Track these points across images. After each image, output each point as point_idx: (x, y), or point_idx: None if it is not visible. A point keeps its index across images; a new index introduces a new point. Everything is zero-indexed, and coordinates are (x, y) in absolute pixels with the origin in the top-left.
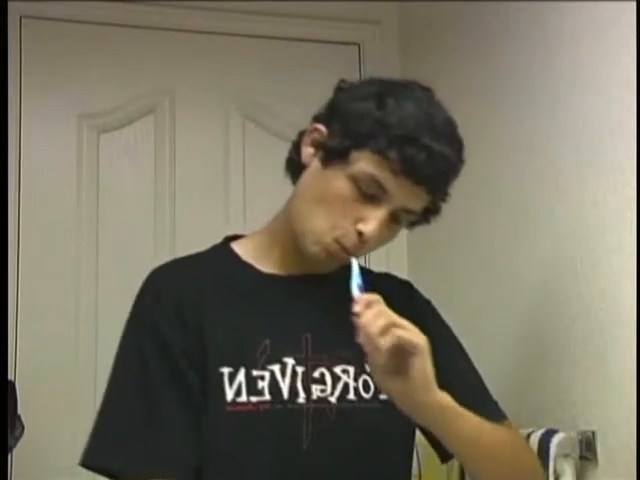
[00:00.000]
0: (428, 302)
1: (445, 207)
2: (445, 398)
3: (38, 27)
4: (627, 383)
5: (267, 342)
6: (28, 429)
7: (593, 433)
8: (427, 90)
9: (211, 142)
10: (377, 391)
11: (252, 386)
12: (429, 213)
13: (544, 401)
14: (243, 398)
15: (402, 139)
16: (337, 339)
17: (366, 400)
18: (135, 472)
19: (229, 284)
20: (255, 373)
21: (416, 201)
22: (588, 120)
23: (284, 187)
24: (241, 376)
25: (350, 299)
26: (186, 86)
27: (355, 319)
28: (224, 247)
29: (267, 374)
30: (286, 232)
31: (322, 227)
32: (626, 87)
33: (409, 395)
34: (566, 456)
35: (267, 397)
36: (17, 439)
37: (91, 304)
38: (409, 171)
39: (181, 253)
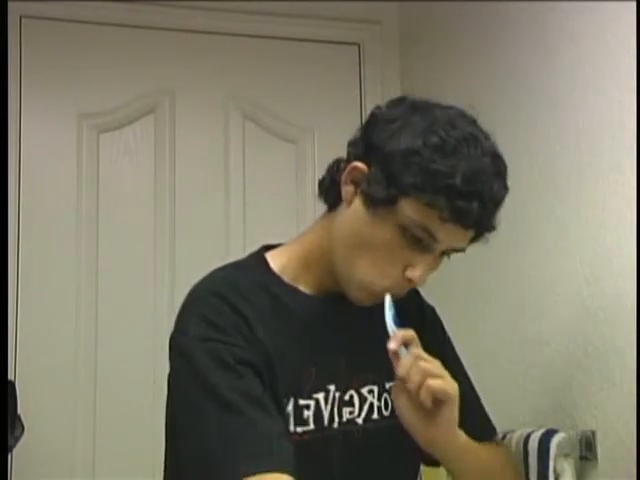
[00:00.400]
0: (434, 313)
1: None
2: (463, 438)
3: (38, 27)
4: (627, 383)
5: (313, 370)
6: (28, 429)
7: (593, 433)
8: (471, 121)
9: (211, 142)
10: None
11: (299, 416)
12: (474, 240)
13: (544, 401)
14: (291, 429)
15: (452, 189)
16: (364, 359)
17: (386, 417)
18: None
19: (276, 308)
20: (302, 402)
21: (464, 240)
22: (588, 120)
23: (284, 187)
24: (290, 406)
25: (375, 319)
26: (186, 86)
27: (391, 354)
28: (262, 261)
29: (312, 403)
30: (321, 254)
31: (370, 275)
32: (626, 87)
33: (432, 436)
34: (566, 456)
35: (311, 426)
36: (17, 439)
37: (91, 304)
38: (459, 219)
39: (181, 253)
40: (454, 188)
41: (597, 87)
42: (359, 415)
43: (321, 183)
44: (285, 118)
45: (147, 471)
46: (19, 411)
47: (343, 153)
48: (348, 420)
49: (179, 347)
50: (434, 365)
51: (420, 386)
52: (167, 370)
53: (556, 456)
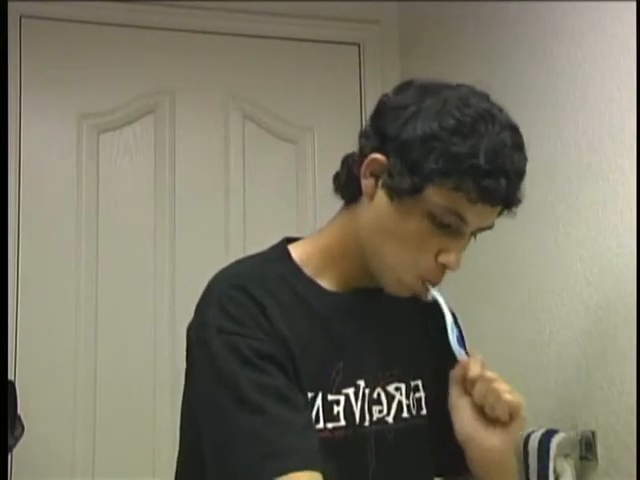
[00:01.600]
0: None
1: None
2: (512, 455)
3: (38, 27)
4: (627, 383)
5: (340, 365)
6: (28, 429)
7: (593, 433)
8: (484, 96)
9: (211, 142)
10: (424, 405)
11: (328, 411)
12: (501, 214)
13: (544, 401)
14: (320, 425)
15: (477, 169)
16: (390, 356)
17: (415, 416)
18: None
19: (298, 302)
20: (330, 398)
21: (493, 217)
22: (588, 120)
23: (284, 187)
24: (319, 401)
25: (402, 315)
26: (186, 86)
27: (456, 376)
28: (284, 253)
29: (342, 398)
30: (342, 250)
31: (403, 265)
32: (626, 87)
33: (492, 444)
34: (566, 456)
35: (342, 422)
36: (17, 439)
37: (91, 304)
38: (487, 198)
39: (181, 253)
40: (479, 168)
41: (597, 87)
42: (388, 414)
43: (336, 178)
44: (285, 118)
45: (147, 471)
46: (19, 411)
47: (343, 153)
48: (378, 419)
49: (198, 338)
50: (505, 384)
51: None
52: (167, 370)
53: (556, 456)
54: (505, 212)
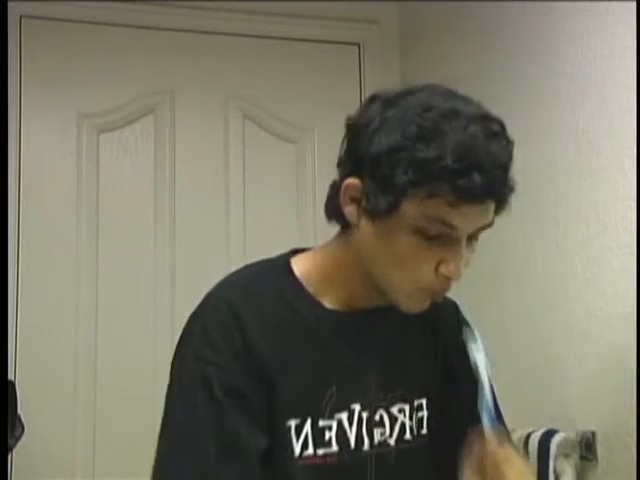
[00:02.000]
0: (469, 326)
1: None
2: None
3: (38, 27)
4: (627, 383)
5: (334, 389)
6: (28, 429)
7: (593, 433)
8: (440, 91)
9: (211, 142)
10: (425, 424)
11: (319, 437)
12: (498, 209)
13: (544, 401)
14: (310, 451)
15: (447, 171)
16: (393, 377)
17: (417, 437)
18: None
19: (294, 322)
20: (322, 423)
21: (486, 215)
22: (588, 120)
23: (284, 187)
24: (307, 427)
25: (406, 335)
26: (186, 86)
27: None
28: (287, 267)
29: (334, 423)
30: (340, 271)
31: (407, 283)
32: (626, 87)
33: None
34: (566, 456)
35: (334, 448)
36: (17, 439)
37: (91, 304)
38: (466, 197)
39: (181, 253)
40: (449, 169)
41: (597, 87)
42: (391, 436)
43: (326, 207)
44: (285, 118)
45: (147, 471)
46: (19, 411)
47: None
48: (380, 442)
49: (179, 349)
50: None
51: None
52: (167, 370)
53: (556, 456)
54: (501, 207)
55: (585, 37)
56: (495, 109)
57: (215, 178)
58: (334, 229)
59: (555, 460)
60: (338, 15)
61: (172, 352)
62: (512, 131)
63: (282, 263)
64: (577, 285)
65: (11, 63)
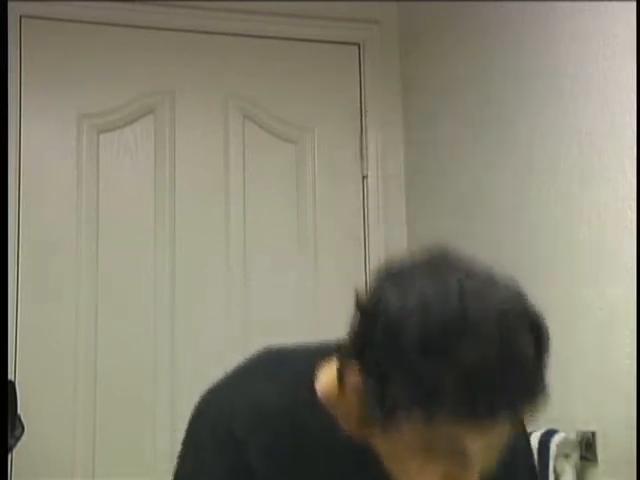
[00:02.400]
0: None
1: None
2: None
3: (38, 27)
4: (627, 383)
5: None
6: (28, 429)
7: (593, 433)
8: (457, 290)
9: (211, 142)
10: None
11: None
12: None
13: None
14: None
15: (446, 397)
16: None
17: None
18: None
19: (300, 438)
20: None
21: (499, 435)
22: (589, 120)
23: (284, 187)
24: None
25: None
26: (186, 86)
27: None
28: (310, 383)
29: None
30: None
31: None
32: (626, 87)
33: None
34: (566, 456)
35: None
36: (17, 439)
37: (91, 304)
38: (478, 417)
39: (181, 253)
40: (448, 396)
41: (597, 87)
42: None
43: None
44: (285, 118)
45: (147, 471)
46: (19, 411)
47: (343, 153)
48: None
49: (184, 441)
50: None
51: None
52: (167, 370)
53: (556, 456)
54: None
55: (585, 37)
56: (495, 109)
57: (215, 178)
58: (334, 229)
59: (555, 460)
60: (338, 15)
61: (172, 352)
62: (513, 131)
63: (307, 375)
64: (577, 285)
65: (11, 63)
